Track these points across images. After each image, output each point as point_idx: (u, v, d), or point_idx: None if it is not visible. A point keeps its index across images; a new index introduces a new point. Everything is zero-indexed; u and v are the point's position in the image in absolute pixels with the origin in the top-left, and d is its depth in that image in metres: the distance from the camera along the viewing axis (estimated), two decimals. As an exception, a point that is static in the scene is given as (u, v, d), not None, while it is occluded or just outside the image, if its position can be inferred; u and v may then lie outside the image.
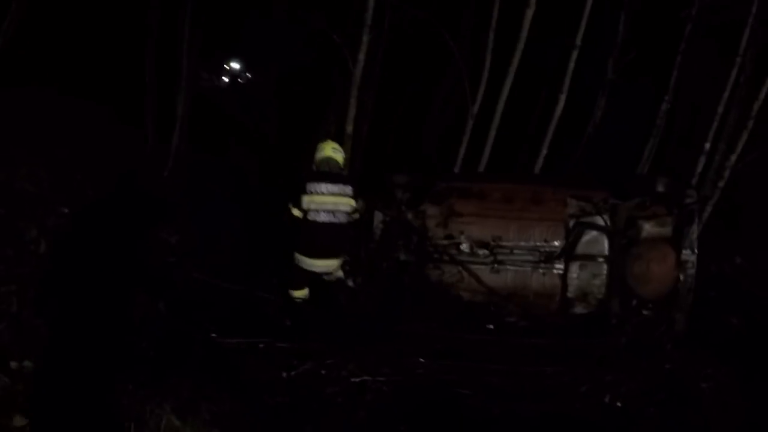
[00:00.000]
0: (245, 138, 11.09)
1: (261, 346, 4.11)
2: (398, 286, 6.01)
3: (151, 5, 9.06)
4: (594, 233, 5.90)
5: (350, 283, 5.45)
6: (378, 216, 6.32)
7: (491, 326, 5.61)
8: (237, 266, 6.24)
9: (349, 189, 4.86)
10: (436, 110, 11.18)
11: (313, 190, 4.71)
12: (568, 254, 5.92)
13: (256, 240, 7.04)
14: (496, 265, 6.00)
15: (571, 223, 5.95)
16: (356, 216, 5.26)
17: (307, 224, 4.75)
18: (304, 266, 4.85)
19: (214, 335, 4.08)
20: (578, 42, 7.47)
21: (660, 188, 5.68)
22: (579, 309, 5.91)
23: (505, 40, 7.39)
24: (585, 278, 5.91)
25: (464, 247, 6.11)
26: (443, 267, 6.07)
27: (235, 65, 23.10)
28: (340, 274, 5.29)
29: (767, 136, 7.36)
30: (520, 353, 5.06)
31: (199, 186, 9.32)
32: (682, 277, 5.78)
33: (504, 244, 6.00)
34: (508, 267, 6.00)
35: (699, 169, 7.47)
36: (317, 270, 4.90)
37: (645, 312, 5.87)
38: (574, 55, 7.46)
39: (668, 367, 4.98)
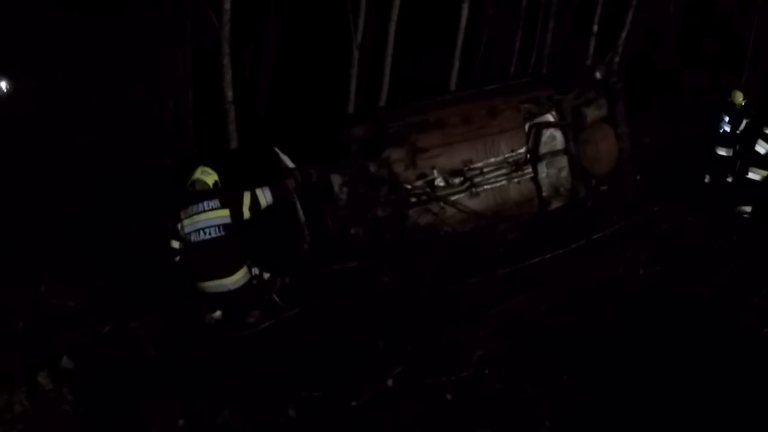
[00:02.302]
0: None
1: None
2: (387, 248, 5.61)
3: None
4: (549, 130, 6.12)
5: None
6: (336, 179, 5.69)
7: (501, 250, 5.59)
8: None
9: (214, 203, 4.66)
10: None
11: (181, 215, 4.66)
12: (534, 156, 6.08)
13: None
14: (474, 189, 5.91)
15: (526, 126, 6.08)
16: (247, 214, 4.71)
17: (185, 249, 4.68)
18: (200, 291, 4.72)
19: None
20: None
21: (598, 76, 6.04)
22: (555, 204, 6.22)
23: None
24: (553, 174, 6.17)
25: (438, 181, 5.87)
26: (425, 208, 5.80)
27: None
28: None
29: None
30: (550, 264, 5.17)
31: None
32: (622, 148, 6.42)
33: (475, 165, 5.90)
34: (485, 187, 5.95)
35: (591, 50, 8.15)
36: (211, 291, 4.69)
37: (603, 188, 6.43)
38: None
39: (665, 228, 5.59)
